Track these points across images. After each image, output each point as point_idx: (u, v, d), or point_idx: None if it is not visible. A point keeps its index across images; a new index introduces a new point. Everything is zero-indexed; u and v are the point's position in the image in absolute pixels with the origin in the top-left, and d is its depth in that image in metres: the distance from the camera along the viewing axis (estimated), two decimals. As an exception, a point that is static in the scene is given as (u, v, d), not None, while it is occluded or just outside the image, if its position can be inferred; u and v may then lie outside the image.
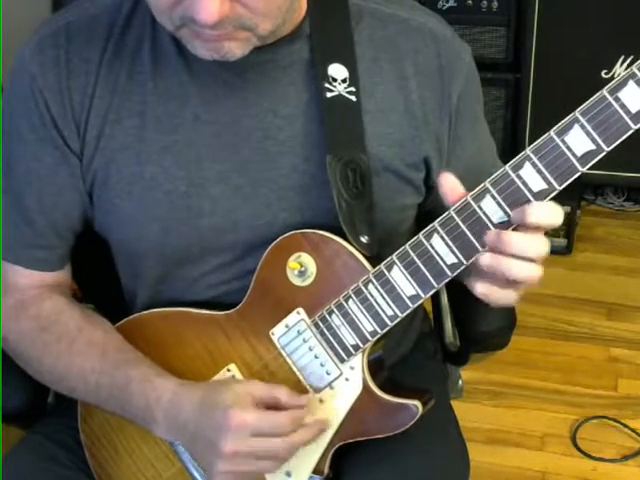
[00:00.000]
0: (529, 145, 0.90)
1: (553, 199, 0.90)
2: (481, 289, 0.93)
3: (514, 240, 0.89)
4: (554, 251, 2.75)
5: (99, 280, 1.22)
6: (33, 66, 1.05)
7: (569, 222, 2.73)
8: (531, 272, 0.91)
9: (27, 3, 2.51)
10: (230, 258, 1.09)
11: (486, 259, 0.91)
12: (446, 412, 1.26)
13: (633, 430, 2.12)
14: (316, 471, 1.07)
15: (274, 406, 1.00)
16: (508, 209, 0.91)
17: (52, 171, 1.07)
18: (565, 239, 2.77)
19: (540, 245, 0.91)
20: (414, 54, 1.07)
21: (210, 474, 1.03)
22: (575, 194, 2.77)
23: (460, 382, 1.45)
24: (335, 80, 1.04)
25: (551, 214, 0.89)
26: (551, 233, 2.73)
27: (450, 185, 0.93)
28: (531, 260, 0.91)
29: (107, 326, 1.13)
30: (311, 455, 1.07)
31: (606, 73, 2.63)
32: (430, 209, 1.14)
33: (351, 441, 1.07)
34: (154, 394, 1.03)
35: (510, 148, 2.83)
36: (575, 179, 0.90)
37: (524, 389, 2.27)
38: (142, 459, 1.14)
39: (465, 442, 1.23)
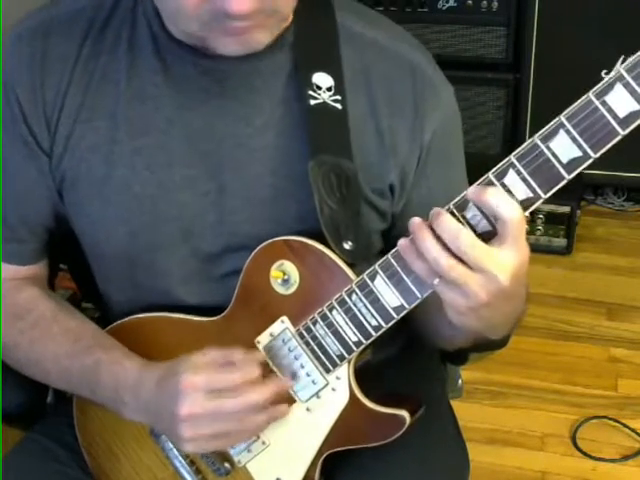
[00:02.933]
0: (529, 145, 0.88)
1: (555, 199, 0.87)
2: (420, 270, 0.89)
3: (442, 219, 0.85)
4: (554, 251, 2.76)
5: (95, 280, 1.22)
6: (9, 60, 1.05)
7: (569, 222, 2.73)
8: (441, 262, 0.85)
9: (27, 3, 2.51)
10: (195, 267, 1.08)
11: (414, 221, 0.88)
12: (446, 412, 1.26)
13: (633, 430, 2.12)
14: (306, 478, 1.07)
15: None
16: (492, 219, 0.87)
17: (21, 167, 1.07)
18: (565, 239, 2.76)
19: (462, 238, 0.84)
20: (388, 82, 1.06)
21: (178, 444, 1.03)
22: (575, 194, 2.77)
23: (460, 382, 1.45)
24: (320, 88, 1.03)
25: (506, 204, 0.84)
26: (551, 233, 2.75)
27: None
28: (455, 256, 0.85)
29: (82, 316, 1.13)
30: (300, 463, 1.06)
31: (606, 73, 2.61)
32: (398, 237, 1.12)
33: (340, 449, 1.06)
34: (122, 375, 1.04)
35: (510, 148, 2.83)
36: (574, 179, 0.87)
37: (524, 389, 2.27)
38: (139, 464, 1.14)
39: (465, 442, 1.23)
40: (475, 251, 0.85)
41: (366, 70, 1.06)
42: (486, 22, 2.80)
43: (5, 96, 1.05)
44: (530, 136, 0.86)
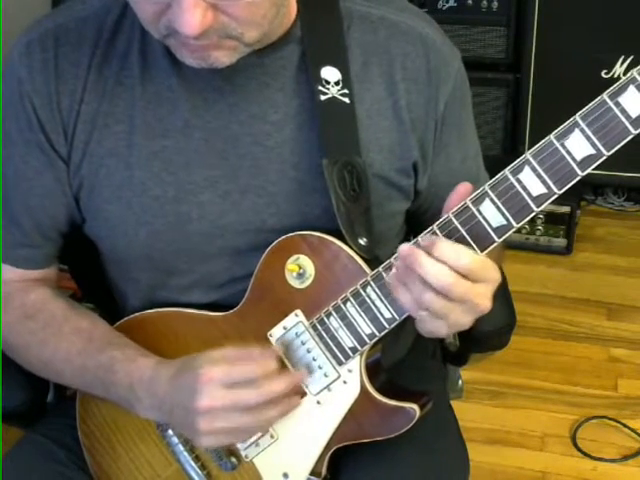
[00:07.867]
0: (529, 145, 0.89)
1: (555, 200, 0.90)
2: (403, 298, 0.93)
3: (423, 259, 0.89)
4: (554, 251, 2.76)
5: (98, 280, 1.22)
6: (21, 69, 1.04)
7: (569, 222, 2.74)
8: (442, 279, 0.89)
9: (27, 3, 2.51)
10: (218, 266, 1.09)
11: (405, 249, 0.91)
12: (446, 412, 1.26)
13: (633, 430, 2.12)
14: (313, 473, 1.08)
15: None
16: (507, 213, 0.91)
17: (38, 174, 1.07)
18: (565, 239, 2.77)
19: (442, 275, 0.89)
20: (403, 58, 1.07)
21: (194, 439, 1.02)
22: (575, 194, 2.77)
23: (460, 382, 1.45)
24: (328, 83, 1.04)
25: (453, 255, 0.89)
26: (551, 233, 2.75)
27: (462, 194, 0.92)
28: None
29: (93, 315, 1.13)
30: (308, 457, 1.07)
31: (606, 73, 2.63)
32: (414, 210, 1.15)
33: (348, 444, 1.07)
34: (137, 373, 1.04)
35: (510, 148, 2.83)
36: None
37: (524, 389, 2.27)
38: (140, 459, 1.14)
39: (465, 442, 1.23)
40: (458, 288, 0.89)
41: (382, 48, 1.06)
42: (486, 22, 2.80)
43: (21, 105, 1.05)
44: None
